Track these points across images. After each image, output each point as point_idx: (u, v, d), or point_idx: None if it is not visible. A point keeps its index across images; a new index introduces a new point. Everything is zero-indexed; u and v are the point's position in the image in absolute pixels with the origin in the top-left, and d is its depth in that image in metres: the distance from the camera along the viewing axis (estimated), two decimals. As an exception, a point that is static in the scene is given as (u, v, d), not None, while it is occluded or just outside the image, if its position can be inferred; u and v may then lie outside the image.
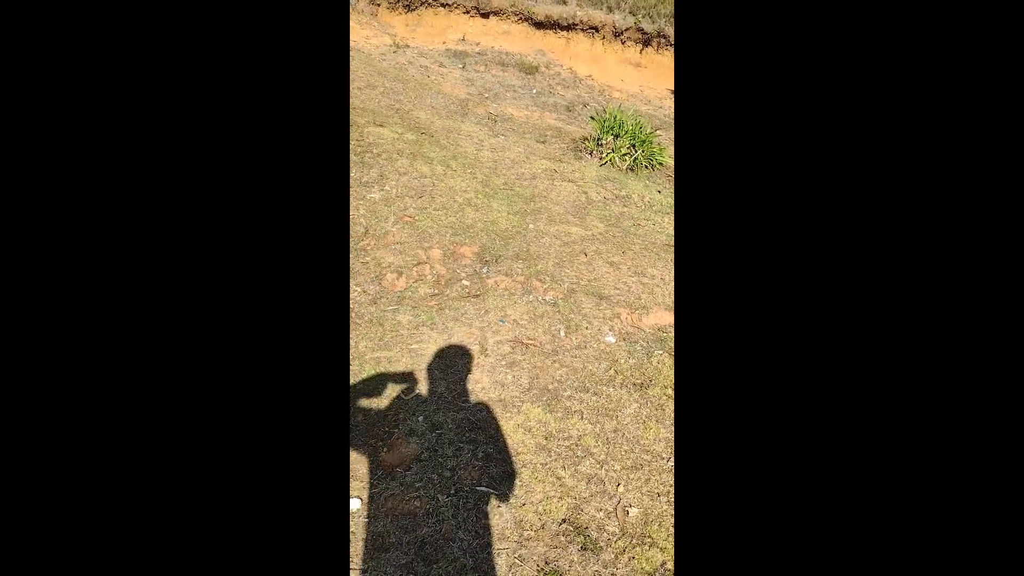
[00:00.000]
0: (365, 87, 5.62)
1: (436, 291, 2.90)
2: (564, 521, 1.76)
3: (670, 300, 3.09)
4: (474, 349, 2.49)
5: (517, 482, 1.87)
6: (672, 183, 4.97)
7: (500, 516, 1.75)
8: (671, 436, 2.16)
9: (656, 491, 1.90)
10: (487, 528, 1.71)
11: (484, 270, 3.13)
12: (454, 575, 1.56)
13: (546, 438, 2.07)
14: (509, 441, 2.03)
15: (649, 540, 1.73)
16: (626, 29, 7.69)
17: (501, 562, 1.62)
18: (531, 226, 3.67)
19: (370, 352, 2.40)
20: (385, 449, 1.94)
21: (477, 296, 2.89)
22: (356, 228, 3.24)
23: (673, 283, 3.21)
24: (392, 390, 2.22)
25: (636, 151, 4.98)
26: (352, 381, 2.23)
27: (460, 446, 1.98)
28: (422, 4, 7.52)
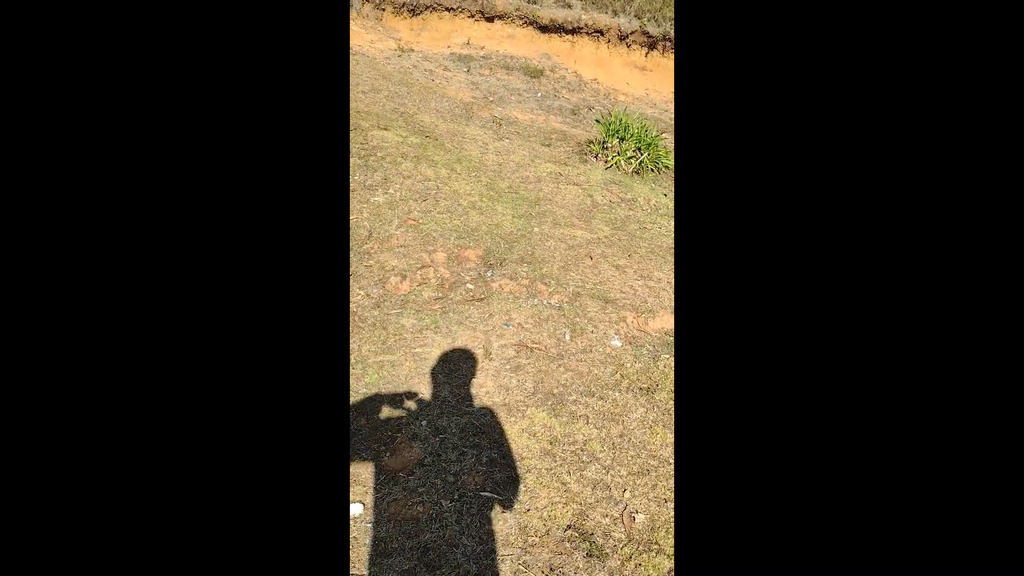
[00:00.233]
0: (369, 91, 5.63)
1: (440, 294, 2.88)
2: (569, 527, 1.73)
3: (676, 303, 3.06)
4: (478, 353, 2.47)
5: (522, 487, 1.85)
6: (678, 186, 4.93)
7: (504, 522, 1.73)
8: (678, 441, 2.13)
9: (663, 497, 1.87)
10: (491, 534, 1.68)
11: (488, 273, 3.11)
12: (457, 582, 1.53)
13: (551, 443, 2.04)
14: (513, 446, 2.01)
15: (656, 547, 1.70)
16: (631, 32, 7.69)
17: (505, 568, 1.59)
18: (536, 229, 3.65)
19: (373, 356, 2.39)
20: (388, 454, 1.92)
21: (481, 300, 2.88)
22: (360, 231, 3.23)
23: (679, 286, 3.17)
24: (393, 402, 2.21)
25: (642, 154, 4.96)
26: (354, 384, 2.21)
27: (464, 451, 1.96)
28: (427, 8, 7.54)
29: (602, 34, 7.77)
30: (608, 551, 1.68)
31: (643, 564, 1.65)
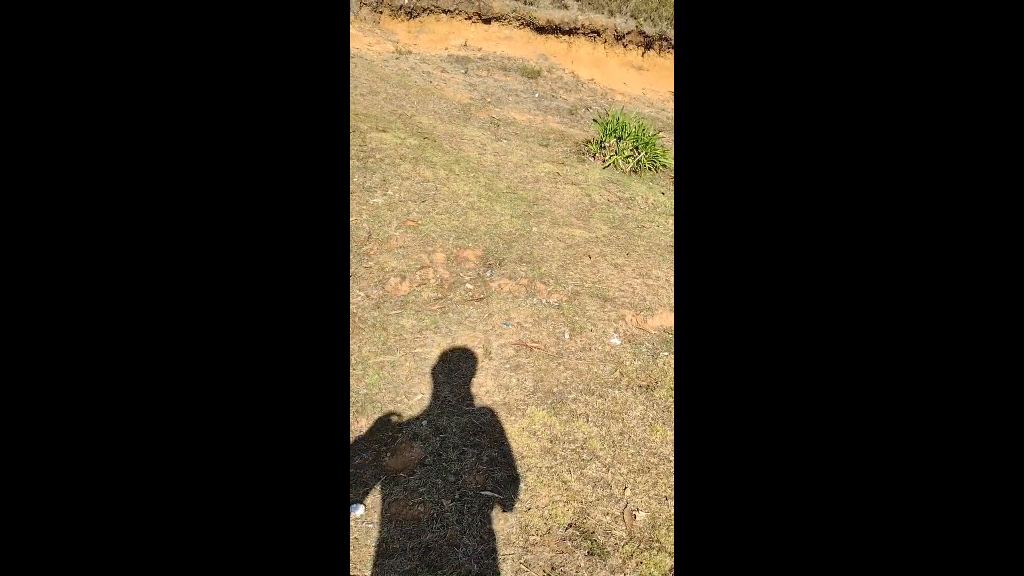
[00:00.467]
0: (368, 93, 5.64)
1: (439, 295, 2.88)
2: (570, 526, 1.73)
3: (675, 301, 3.06)
4: (478, 352, 2.47)
5: (522, 486, 1.85)
6: (676, 185, 4.93)
7: (505, 521, 1.73)
8: (678, 439, 2.13)
9: (664, 495, 1.87)
10: (492, 533, 1.68)
11: (488, 273, 3.11)
12: (459, 581, 1.53)
13: (551, 441, 2.04)
14: (514, 445, 2.01)
15: (657, 544, 1.70)
16: (628, 32, 7.70)
17: (507, 568, 1.59)
18: (535, 229, 3.65)
19: (373, 356, 2.39)
20: (389, 454, 1.92)
21: (481, 299, 2.88)
22: (359, 233, 3.23)
23: (678, 284, 3.17)
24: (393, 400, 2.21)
25: (639, 153, 4.96)
26: (355, 385, 2.21)
27: (464, 450, 1.96)
28: (424, 11, 7.56)
29: (599, 34, 7.78)
30: (609, 549, 1.68)
31: (644, 562, 1.64)
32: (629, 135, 5.04)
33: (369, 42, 7.12)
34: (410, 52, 7.25)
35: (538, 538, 1.69)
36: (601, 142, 5.11)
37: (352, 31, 7.07)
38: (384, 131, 4.64)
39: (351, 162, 3.97)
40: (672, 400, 2.32)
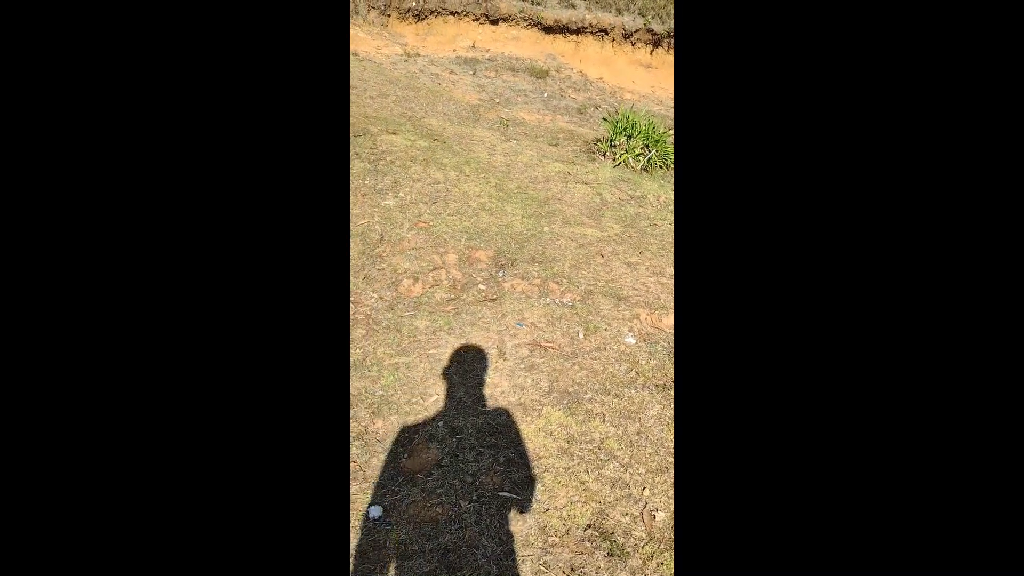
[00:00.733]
0: (377, 96, 5.66)
1: (452, 296, 2.88)
2: (589, 527, 1.72)
3: (690, 300, 3.03)
4: (492, 353, 2.47)
5: (540, 487, 1.84)
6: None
7: (524, 522, 1.72)
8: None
9: (683, 495, 1.85)
10: (510, 534, 1.67)
11: (500, 274, 3.11)
12: (479, 583, 1.53)
13: (568, 442, 2.03)
14: (530, 445, 2.00)
15: (678, 545, 1.68)
16: (636, 31, 7.67)
17: (526, 569, 1.58)
18: (546, 229, 3.64)
19: (388, 358, 2.39)
20: (406, 455, 1.92)
21: (494, 300, 2.87)
22: (372, 235, 3.24)
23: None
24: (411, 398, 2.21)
25: (650, 151, 4.94)
26: (370, 387, 2.21)
27: (481, 451, 1.95)
28: (432, 13, 7.58)
29: (606, 33, 7.75)
30: (629, 550, 1.66)
31: (665, 562, 1.63)
32: (639, 133, 5.01)
33: (378, 45, 7.16)
34: (418, 54, 7.27)
35: (557, 539, 1.67)
36: (611, 141, 5.08)
37: (360, 35, 7.11)
38: (394, 134, 4.65)
39: (362, 165, 3.98)
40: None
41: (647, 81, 7.65)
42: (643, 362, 2.50)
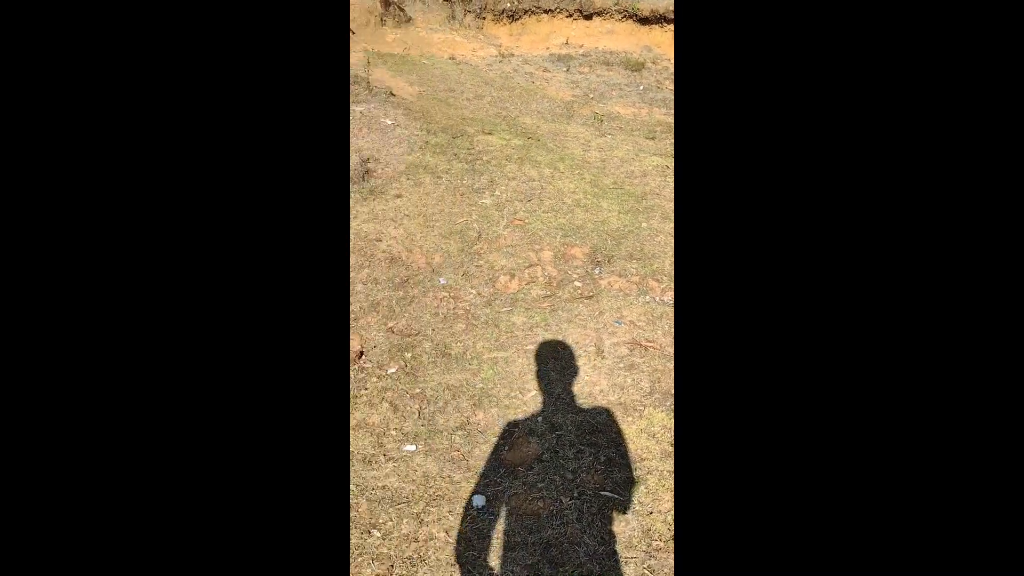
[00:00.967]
0: (473, 98, 5.81)
1: (548, 292, 2.89)
2: (696, 534, 1.64)
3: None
4: (590, 351, 2.44)
5: (643, 489, 1.78)
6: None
7: (626, 524, 1.68)
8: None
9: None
10: (612, 535, 1.64)
11: (596, 271, 3.06)
12: (581, 581, 1.51)
13: (672, 445, 1.95)
14: (632, 446, 1.95)
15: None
16: (740, 14, 7.22)
17: (630, 572, 1.54)
18: (644, 224, 3.54)
19: (487, 352, 2.44)
20: (507, 448, 1.95)
21: (590, 297, 2.84)
22: (470, 232, 3.33)
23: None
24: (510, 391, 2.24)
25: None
26: (471, 379, 2.28)
27: (581, 448, 1.93)
28: (526, 12, 7.64)
29: (707, 19, 7.37)
30: (741, 563, 1.57)
31: None
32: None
33: (473, 48, 7.35)
34: (512, 54, 7.37)
35: (662, 544, 1.62)
36: (713, 132, 4.83)
37: (457, 39, 7.33)
38: (490, 134, 4.75)
39: (460, 165, 4.11)
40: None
41: (752, 67, 7.19)
42: (752, 365, 2.35)
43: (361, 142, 4.26)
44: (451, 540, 1.61)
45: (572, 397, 2.18)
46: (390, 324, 2.58)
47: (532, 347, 2.46)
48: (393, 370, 2.31)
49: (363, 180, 3.79)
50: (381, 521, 1.66)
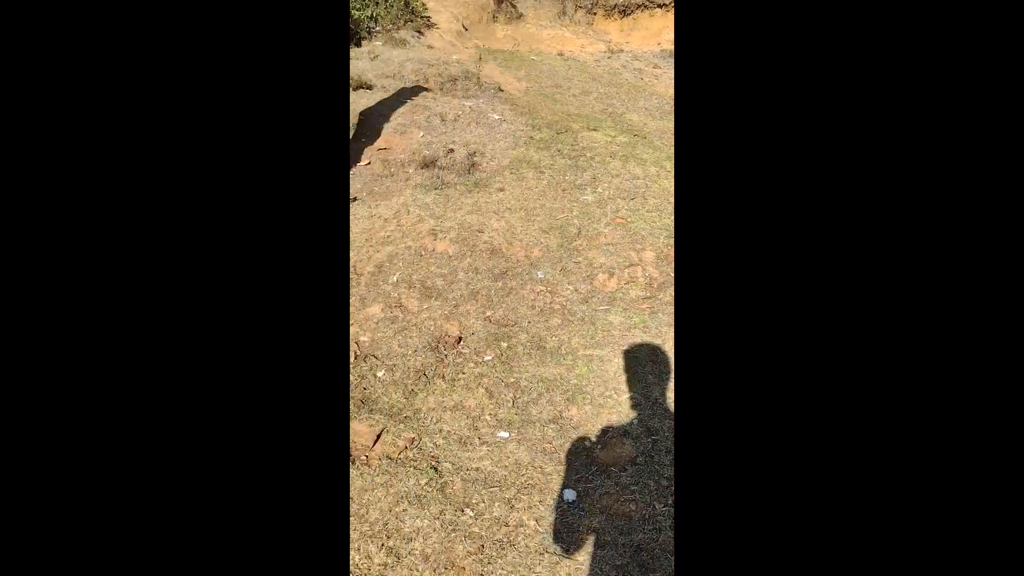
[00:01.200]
0: (580, 94, 5.78)
1: (648, 294, 2.81)
2: (802, 563, 1.53)
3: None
4: (691, 357, 2.34)
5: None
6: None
7: (723, 540, 1.60)
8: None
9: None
10: (708, 550, 1.57)
11: (701, 275, 2.94)
12: (672, 591, 1.47)
13: (777, 464, 1.84)
14: (732, 460, 1.86)
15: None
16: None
17: (725, 590, 1.47)
18: (755, 230, 3.34)
19: (582, 349, 2.43)
20: (600, 446, 1.93)
21: (693, 302, 2.73)
22: (570, 228, 3.33)
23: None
24: (604, 390, 2.21)
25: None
26: (565, 374, 2.28)
27: (677, 456, 1.87)
28: (638, 7, 7.47)
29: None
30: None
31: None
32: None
33: (582, 44, 7.30)
34: (621, 50, 7.24)
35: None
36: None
37: (566, 35, 7.32)
38: (595, 130, 4.70)
39: (563, 161, 4.11)
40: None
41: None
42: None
43: (468, 136, 4.39)
44: (541, 529, 1.62)
45: (670, 403, 2.12)
46: (488, 313, 2.65)
47: (629, 348, 2.42)
48: (489, 358, 2.37)
49: (468, 173, 3.91)
50: (474, 501, 1.71)
